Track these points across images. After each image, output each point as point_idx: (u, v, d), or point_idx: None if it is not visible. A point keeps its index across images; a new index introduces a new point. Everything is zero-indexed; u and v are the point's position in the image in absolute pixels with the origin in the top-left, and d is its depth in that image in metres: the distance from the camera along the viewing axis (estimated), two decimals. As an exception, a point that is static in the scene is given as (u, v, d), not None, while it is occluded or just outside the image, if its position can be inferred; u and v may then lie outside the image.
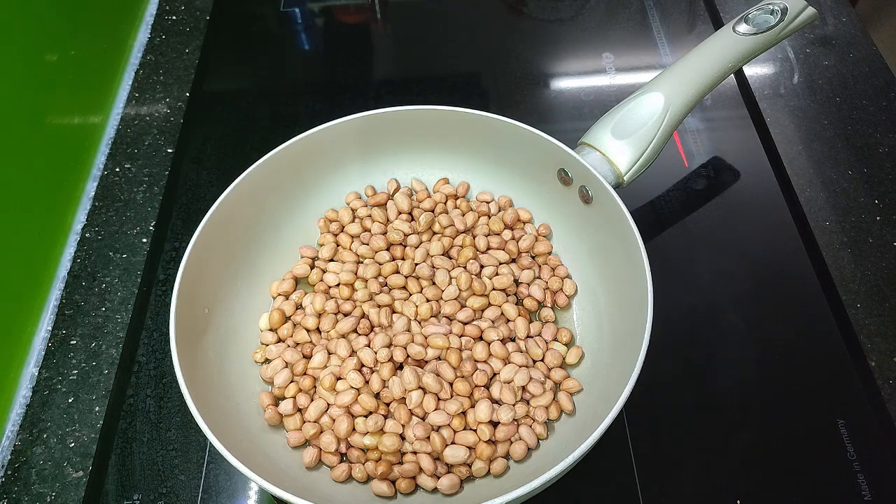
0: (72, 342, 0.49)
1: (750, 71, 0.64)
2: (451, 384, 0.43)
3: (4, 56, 0.48)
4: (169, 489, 0.43)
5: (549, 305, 0.48)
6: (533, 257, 0.50)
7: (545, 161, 0.49)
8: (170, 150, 0.60)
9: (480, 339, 0.45)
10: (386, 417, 0.42)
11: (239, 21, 0.72)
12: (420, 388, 0.42)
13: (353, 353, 0.44)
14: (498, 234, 0.50)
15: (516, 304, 0.48)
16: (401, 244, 0.50)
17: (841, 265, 0.51)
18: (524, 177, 0.51)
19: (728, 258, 0.52)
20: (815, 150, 0.57)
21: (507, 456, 0.41)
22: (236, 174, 0.46)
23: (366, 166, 0.53)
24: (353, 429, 0.41)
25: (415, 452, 0.41)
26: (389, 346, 0.44)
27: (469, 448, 0.41)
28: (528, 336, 0.46)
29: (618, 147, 0.46)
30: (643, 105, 0.47)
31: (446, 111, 0.50)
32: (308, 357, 0.45)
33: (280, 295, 0.49)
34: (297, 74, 0.68)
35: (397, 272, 0.48)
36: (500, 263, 0.49)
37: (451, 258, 0.49)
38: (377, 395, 0.42)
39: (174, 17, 0.71)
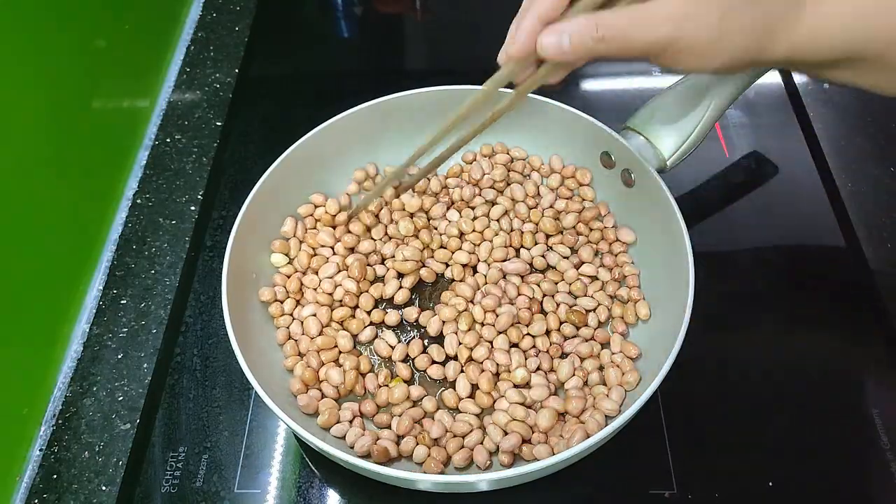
0: (122, 301, 0.51)
1: (794, 66, 0.63)
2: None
3: (66, 30, 0.50)
4: (213, 444, 0.44)
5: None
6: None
7: (588, 143, 0.49)
8: (218, 124, 0.61)
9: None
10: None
11: (286, 4, 0.74)
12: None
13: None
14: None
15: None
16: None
17: (881, 260, 0.50)
18: (566, 160, 0.52)
19: (767, 248, 0.52)
20: (857, 146, 0.57)
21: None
22: (282, 149, 0.48)
23: (409, 142, 0.54)
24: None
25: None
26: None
27: None
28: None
29: (662, 132, 0.46)
30: (688, 91, 0.47)
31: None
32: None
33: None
34: (341, 58, 0.70)
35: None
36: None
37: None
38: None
39: (225, -4, 0.73)
